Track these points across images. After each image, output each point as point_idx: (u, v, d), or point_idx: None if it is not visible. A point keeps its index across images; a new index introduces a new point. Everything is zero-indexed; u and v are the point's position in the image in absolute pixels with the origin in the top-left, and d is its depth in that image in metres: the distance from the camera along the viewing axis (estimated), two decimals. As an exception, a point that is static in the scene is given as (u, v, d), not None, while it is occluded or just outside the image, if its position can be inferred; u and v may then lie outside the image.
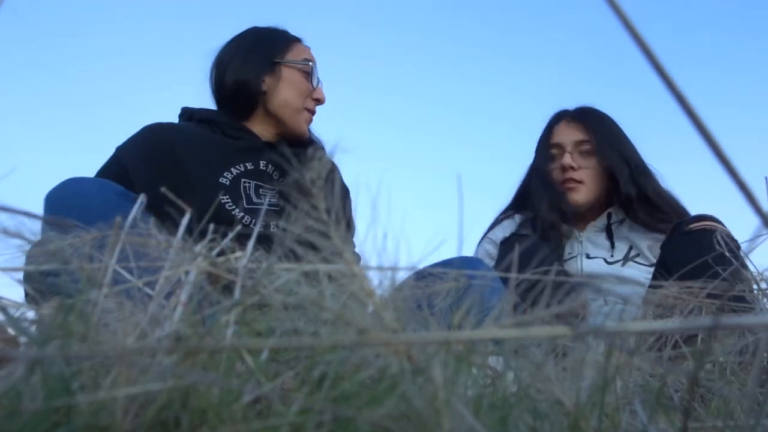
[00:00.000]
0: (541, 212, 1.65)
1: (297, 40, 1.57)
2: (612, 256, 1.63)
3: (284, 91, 1.49)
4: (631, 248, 1.62)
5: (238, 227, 0.58)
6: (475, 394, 0.38)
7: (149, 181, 1.31)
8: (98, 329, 0.40)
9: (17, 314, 0.49)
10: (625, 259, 1.60)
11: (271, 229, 1.30)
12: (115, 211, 0.60)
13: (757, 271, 0.87)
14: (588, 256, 1.64)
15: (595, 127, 1.69)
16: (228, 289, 0.50)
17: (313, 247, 0.40)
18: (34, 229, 0.55)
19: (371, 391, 0.37)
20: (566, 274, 1.55)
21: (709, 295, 0.81)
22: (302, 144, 1.57)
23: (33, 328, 0.49)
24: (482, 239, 1.77)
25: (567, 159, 1.65)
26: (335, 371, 0.39)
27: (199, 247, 0.53)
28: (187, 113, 1.55)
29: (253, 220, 1.36)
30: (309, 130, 1.57)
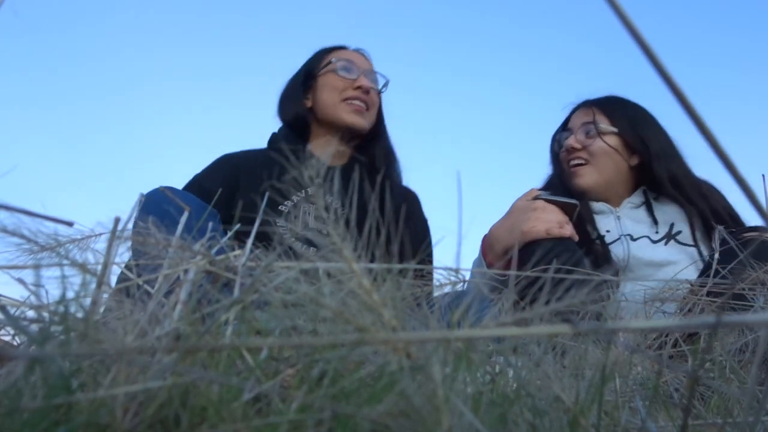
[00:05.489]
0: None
1: (332, 50, 1.71)
2: (657, 233, 1.56)
3: (321, 95, 1.65)
4: (672, 225, 1.56)
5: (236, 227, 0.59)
6: (474, 391, 0.38)
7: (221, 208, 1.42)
8: (98, 327, 0.40)
9: (17, 313, 0.49)
10: (668, 237, 1.53)
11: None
12: (192, 219, 0.66)
13: None
14: (632, 238, 1.56)
15: (612, 109, 1.68)
16: (228, 287, 0.51)
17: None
18: (33, 227, 0.55)
19: (371, 388, 0.37)
20: (608, 259, 1.48)
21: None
22: (368, 140, 1.68)
23: (32, 327, 0.49)
24: None
25: (570, 140, 1.67)
26: (335, 369, 0.39)
27: (198, 246, 0.53)
28: (270, 138, 1.73)
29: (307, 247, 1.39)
30: (378, 129, 1.70)
